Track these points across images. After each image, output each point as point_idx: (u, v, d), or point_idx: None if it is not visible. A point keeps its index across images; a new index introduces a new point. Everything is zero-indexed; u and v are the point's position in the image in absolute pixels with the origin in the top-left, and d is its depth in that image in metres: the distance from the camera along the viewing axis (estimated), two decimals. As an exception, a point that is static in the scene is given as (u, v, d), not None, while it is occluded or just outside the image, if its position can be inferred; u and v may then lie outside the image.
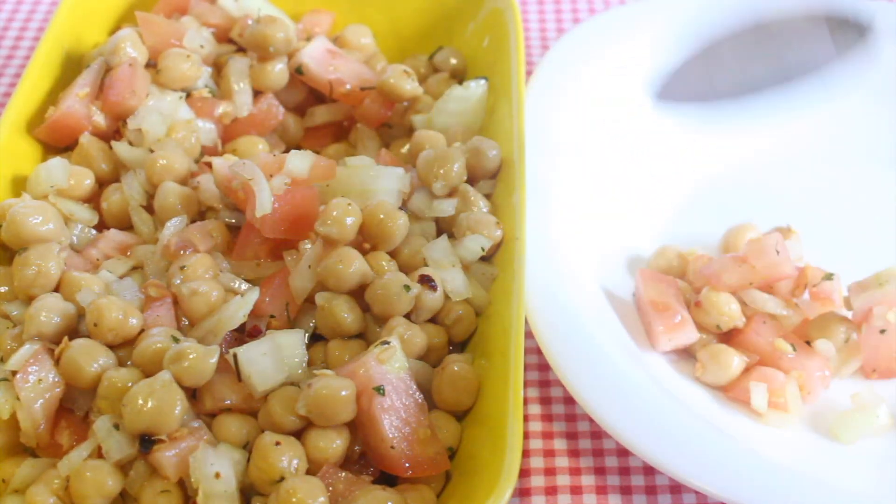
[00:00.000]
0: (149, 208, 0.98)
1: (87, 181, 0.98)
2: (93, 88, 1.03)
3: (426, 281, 0.87)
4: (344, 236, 0.87)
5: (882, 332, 0.96)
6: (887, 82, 1.21)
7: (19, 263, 0.88)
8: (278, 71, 1.08)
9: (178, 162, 0.98)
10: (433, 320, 0.90)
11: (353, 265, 0.86)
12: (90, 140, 1.00)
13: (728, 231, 1.09)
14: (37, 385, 0.81)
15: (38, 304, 0.85)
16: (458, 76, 1.17)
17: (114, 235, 0.95)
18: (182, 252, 0.90)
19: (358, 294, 0.88)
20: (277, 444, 0.77)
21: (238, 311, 0.85)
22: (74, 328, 0.86)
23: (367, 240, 0.90)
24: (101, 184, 1.00)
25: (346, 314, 0.86)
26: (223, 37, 1.14)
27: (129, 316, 0.84)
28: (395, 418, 0.79)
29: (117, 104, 1.01)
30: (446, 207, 0.95)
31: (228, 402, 0.82)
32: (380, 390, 0.79)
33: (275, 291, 0.88)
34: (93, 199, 1.00)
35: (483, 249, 0.91)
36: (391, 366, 0.81)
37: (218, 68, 1.11)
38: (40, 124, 1.03)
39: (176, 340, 0.82)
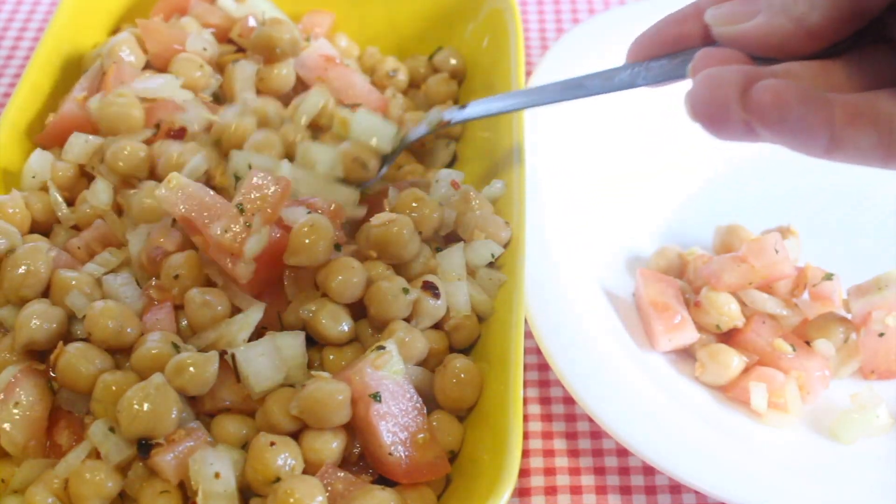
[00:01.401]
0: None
1: (71, 172, 0.98)
2: (90, 92, 1.03)
3: (429, 288, 0.87)
4: (316, 261, 0.85)
5: (881, 335, 0.96)
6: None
7: (8, 265, 0.87)
8: (284, 74, 1.08)
9: (139, 156, 0.95)
10: (435, 326, 0.89)
11: (354, 277, 0.85)
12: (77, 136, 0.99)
13: (717, 231, 1.09)
14: (10, 409, 0.81)
15: (27, 312, 0.84)
16: (458, 77, 1.17)
17: (99, 225, 0.94)
18: (158, 258, 0.88)
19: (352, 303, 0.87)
20: (272, 444, 0.77)
21: (239, 333, 0.84)
22: (67, 331, 0.86)
23: (373, 247, 0.88)
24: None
25: (330, 323, 0.85)
26: (223, 37, 1.14)
27: (127, 325, 0.84)
28: (392, 424, 0.79)
29: None
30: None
31: (227, 402, 0.82)
32: (376, 397, 0.78)
33: (265, 300, 0.87)
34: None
35: (493, 256, 0.91)
36: (388, 371, 0.80)
37: (220, 68, 1.11)
38: (40, 125, 1.03)
39: (175, 347, 0.82)
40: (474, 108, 0.94)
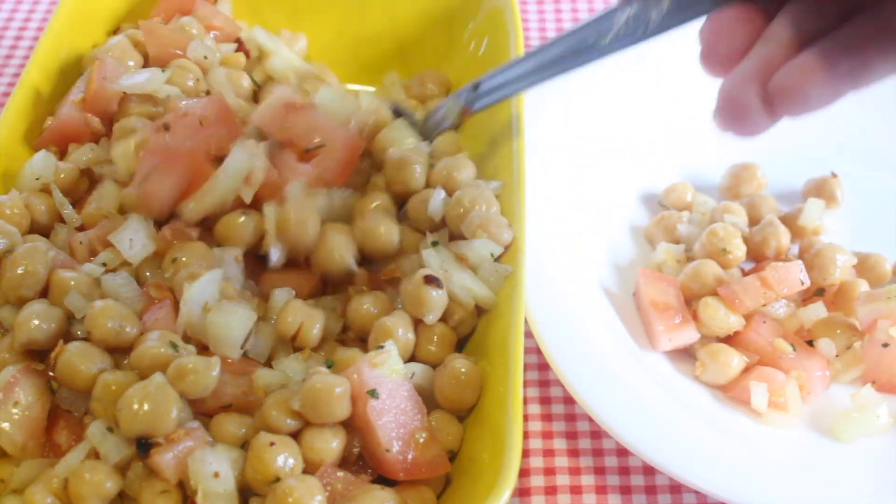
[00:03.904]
0: None
1: (72, 173, 0.98)
2: (87, 95, 1.03)
3: (432, 281, 0.87)
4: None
5: (885, 346, 0.95)
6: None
7: (7, 265, 0.87)
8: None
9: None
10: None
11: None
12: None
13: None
14: (9, 409, 0.81)
15: (26, 312, 0.84)
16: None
17: (104, 225, 0.94)
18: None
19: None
20: (272, 444, 0.77)
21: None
22: (67, 331, 0.86)
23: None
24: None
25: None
26: (227, 38, 1.14)
27: (126, 325, 0.84)
28: (390, 422, 0.79)
29: (97, 98, 1.00)
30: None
31: (225, 400, 0.82)
32: (373, 394, 0.79)
33: None
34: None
35: (492, 256, 0.91)
36: (386, 369, 0.80)
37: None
38: (38, 126, 1.03)
39: (174, 346, 0.82)
40: (490, 96, 0.92)
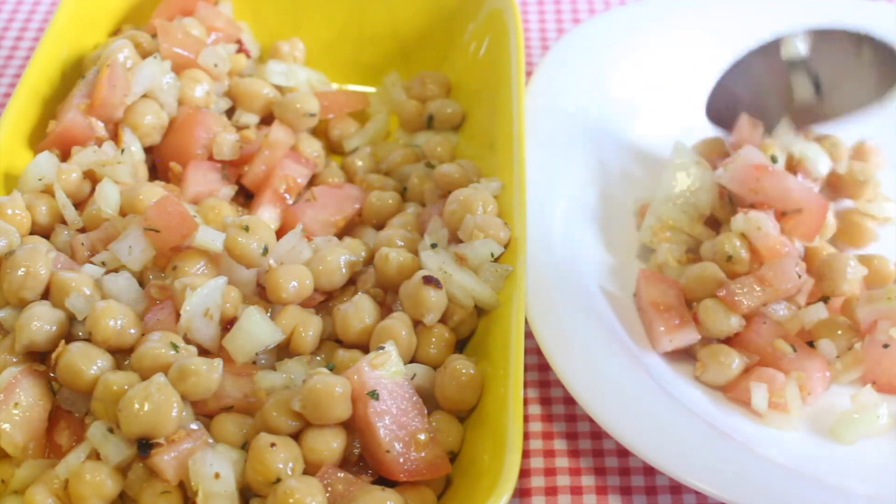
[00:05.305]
0: None
1: (75, 175, 0.98)
2: (92, 99, 1.02)
3: (431, 281, 0.87)
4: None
5: (885, 346, 0.95)
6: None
7: (7, 266, 0.87)
8: None
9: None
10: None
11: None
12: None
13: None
14: (10, 409, 0.81)
15: (27, 314, 0.84)
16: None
17: (107, 227, 0.94)
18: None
19: None
20: (273, 445, 0.77)
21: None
22: (68, 332, 0.86)
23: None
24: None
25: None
26: (227, 39, 1.14)
27: (128, 326, 0.84)
28: (390, 423, 0.79)
29: (105, 104, 1.01)
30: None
31: (227, 402, 0.82)
32: (373, 395, 0.79)
33: None
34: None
35: (492, 255, 0.91)
36: (386, 370, 0.80)
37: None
38: (39, 127, 1.03)
39: (175, 347, 0.82)
40: None
